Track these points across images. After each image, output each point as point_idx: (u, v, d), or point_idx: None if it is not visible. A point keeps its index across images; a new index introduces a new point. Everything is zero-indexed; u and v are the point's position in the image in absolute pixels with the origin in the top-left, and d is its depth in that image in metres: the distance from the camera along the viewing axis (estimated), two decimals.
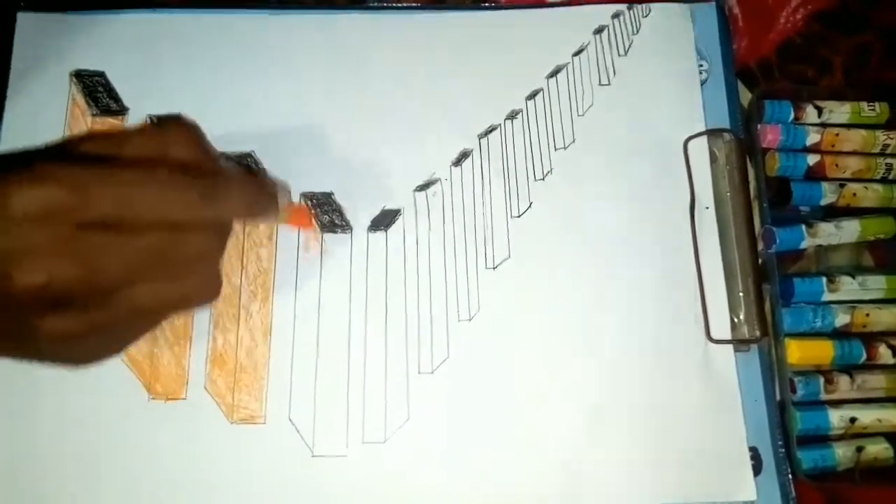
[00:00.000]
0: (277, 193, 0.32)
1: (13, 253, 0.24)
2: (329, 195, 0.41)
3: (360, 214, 0.41)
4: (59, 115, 0.42)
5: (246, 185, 0.30)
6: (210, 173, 0.28)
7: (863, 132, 0.43)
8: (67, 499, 0.36)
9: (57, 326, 0.25)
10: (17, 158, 0.26)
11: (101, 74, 0.43)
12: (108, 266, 0.25)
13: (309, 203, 0.41)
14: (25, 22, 0.44)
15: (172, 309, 0.28)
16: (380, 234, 0.41)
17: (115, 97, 0.43)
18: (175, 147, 0.27)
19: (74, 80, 0.43)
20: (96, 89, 0.43)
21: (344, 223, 0.41)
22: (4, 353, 0.27)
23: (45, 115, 0.42)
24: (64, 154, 0.26)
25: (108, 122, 0.42)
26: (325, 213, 0.41)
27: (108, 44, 0.44)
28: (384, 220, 0.41)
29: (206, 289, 0.29)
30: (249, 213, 0.31)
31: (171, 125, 0.28)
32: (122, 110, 0.42)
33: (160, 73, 0.43)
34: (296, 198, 0.41)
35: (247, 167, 0.40)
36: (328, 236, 0.40)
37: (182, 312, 0.29)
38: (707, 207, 0.41)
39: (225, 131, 0.42)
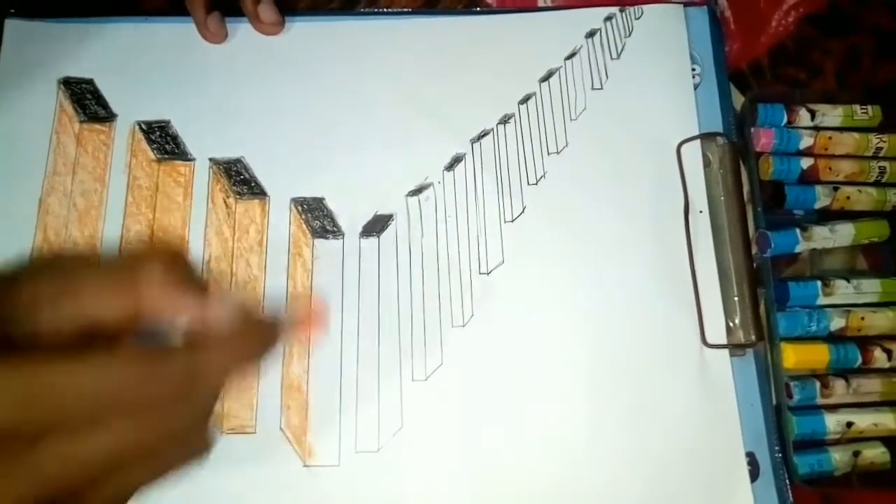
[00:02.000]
0: (277, 333, 0.26)
1: None
2: (320, 200, 0.41)
3: (352, 220, 0.40)
4: (46, 122, 0.42)
5: (234, 347, 0.24)
6: (184, 354, 0.22)
7: (856, 135, 0.43)
8: None
9: None
10: None
11: (90, 82, 0.43)
12: (79, 472, 0.20)
13: (300, 209, 0.40)
14: (13, 29, 0.43)
15: (161, 481, 0.24)
16: (372, 240, 0.40)
17: (103, 104, 0.42)
18: (147, 287, 0.22)
19: (62, 87, 0.42)
20: (84, 96, 0.42)
21: (335, 229, 0.40)
22: None
23: (32, 121, 0.42)
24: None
25: (96, 129, 0.42)
26: (317, 218, 0.40)
27: (96, 51, 0.43)
28: (376, 226, 0.40)
29: (193, 454, 0.24)
30: (240, 370, 0.25)
31: (147, 259, 0.22)
32: (110, 117, 0.42)
33: (149, 80, 0.43)
34: (285, 201, 0.41)
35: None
36: (319, 242, 0.40)
37: (172, 479, 0.24)
38: (701, 211, 0.41)
39: (214, 137, 0.42)
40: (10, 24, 0.43)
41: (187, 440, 0.24)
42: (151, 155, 0.41)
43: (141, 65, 0.43)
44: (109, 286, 0.22)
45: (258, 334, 0.25)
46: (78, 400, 0.20)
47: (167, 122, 0.42)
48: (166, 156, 0.41)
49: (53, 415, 0.20)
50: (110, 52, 0.43)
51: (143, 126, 0.42)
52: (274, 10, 0.43)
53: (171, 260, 0.23)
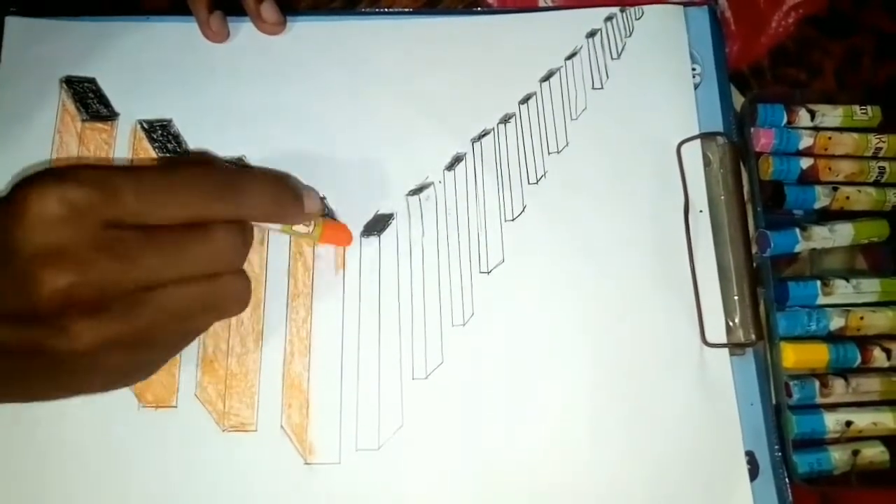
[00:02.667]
0: (304, 195, 0.32)
1: (40, 256, 0.23)
2: (321, 199, 0.41)
3: (352, 219, 0.40)
4: (48, 121, 0.42)
5: (266, 179, 0.30)
6: (229, 170, 0.28)
7: (855, 135, 0.43)
8: None
9: (90, 332, 0.24)
10: (44, 170, 0.25)
11: (92, 80, 0.43)
12: (137, 265, 0.25)
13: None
14: (14, 27, 0.43)
15: (204, 314, 0.28)
16: (373, 239, 0.40)
17: (105, 103, 0.42)
18: (250, 207, 0.29)
19: (64, 85, 0.43)
20: (87, 95, 0.42)
21: None
22: (40, 379, 0.26)
23: (34, 120, 0.42)
24: (88, 165, 0.26)
25: (98, 128, 0.42)
26: None
27: (98, 50, 0.43)
28: (377, 225, 0.41)
29: (235, 291, 0.29)
30: (273, 210, 0.31)
31: (191, 153, 0.29)
32: (112, 116, 0.42)
33: (150, 79, 0.43)
34: None
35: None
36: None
37: (214, 318, 0.29)
38: (701, 211, 0.41)
39: (216, 136, 0.42)
40: (11, 23, 0.43)
41: (229, 274, 0.28)
42: (153, 153, 0.42)
43: (143, 64, 0.43)
44: (214, 193, 0.27)
45: (284, 179, 0.31)
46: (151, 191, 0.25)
47: (169, 121, 0.42)
48: (168, 154, 0.42)
49: (156, 210, 0.25)
50: (112, 51, 0.43)
51: (145, 125, 0.42)
52: (276, 10, 0.43)
53: (275, 185, 0.29)
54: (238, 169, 0.28)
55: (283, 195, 0.30)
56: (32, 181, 0.24)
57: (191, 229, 0.26)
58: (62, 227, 0.23)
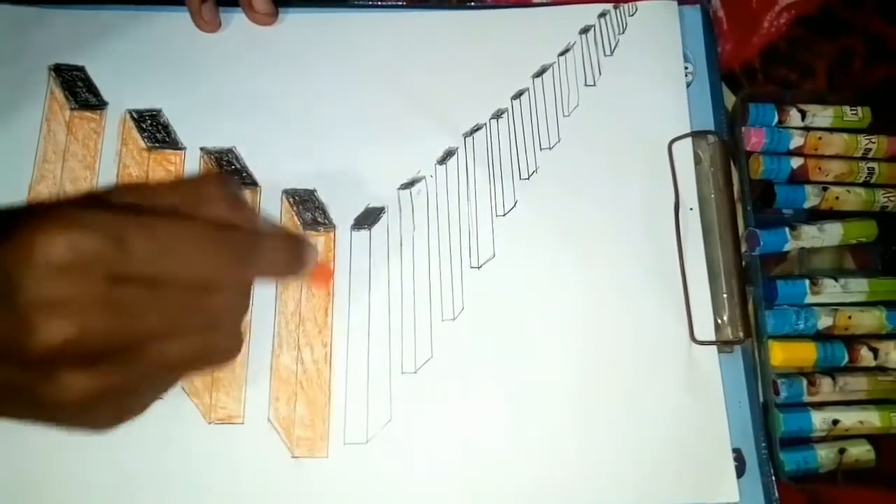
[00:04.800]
0: (309, 254, 0.31)
1: (40, 304, 0.22)
2: (312, 192, 0.41)
3: (343, 212, 0.40)
4: (37, 109, 0.42)
5: (280, 247, 0.28)
6: (246, 233, 0.27)
7: (845, 136, 0.43)
8: (46, 497, 0.36)
9: (80, 385, 0.23)
10: (44, 206, 0.24)
11: (81, 69, 0.42)
12: (139, 321, 0.24)
13: (291, 200, 0.40)
14: (3, 15, 0.43)
15: (195, 366, 0.27)
16: (363, 233, 0.40)
17: (94, 91, 0.42)
18: (211, 203, 0.26)
19: (53, 74, 0.42)
20: (75, 84, 0.42)
21: (327, 221, 0.40)
22: (21, 415, 0.25)
23: (23, 108, 0.41)
24: (95, 202, 0.24)
25: (87, 117, 0.41)
26: (308, 210, 0.40)
27: (87, 39, 0.43)
28: (368, 219, 0.40)
29: (229, 346, 0.28)
30: (282, 275, 0.30)
31: (207, 180, 0.27)
32: (101, 105, 0.42)
33: (140, 68, 0.43)
34: (276, 193, 0.41)
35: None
36: (310, 234, 0.40)
37: (203, 371, 0.28)
38: (691, 209, 0.41)
39: (205, 127, 0.41)
40: (0, 10, 0.43)
41: (225, 330, 0.27)
42: (142, 143, 0.41)
43: (132, 53, 0.43)
44: (179, 206, 0.25)
45: (295, 245, 0.29)
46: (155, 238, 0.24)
47: (158, 111, 0.42)
48: (157, 144, 0.41)
49: (166, 268, 0.24)
50: (102, 40, 0.43)
51: (134, 114, 0.42)
52: (268, 1, 0.42)
53: (223, 180, 0.27)
54: (257, 236, 0.27)
55: (295, 262, 0.30)
56: (42, 219, 0.22)
57: (196, 290, 0.25)
58: (67, 276, 0.22)
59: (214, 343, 0.27)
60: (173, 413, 0.37)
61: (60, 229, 0.22)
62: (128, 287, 0.23)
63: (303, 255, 0.30)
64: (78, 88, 0.42)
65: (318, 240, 0.40)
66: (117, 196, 0.25)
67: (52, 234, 0.22)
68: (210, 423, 0.37)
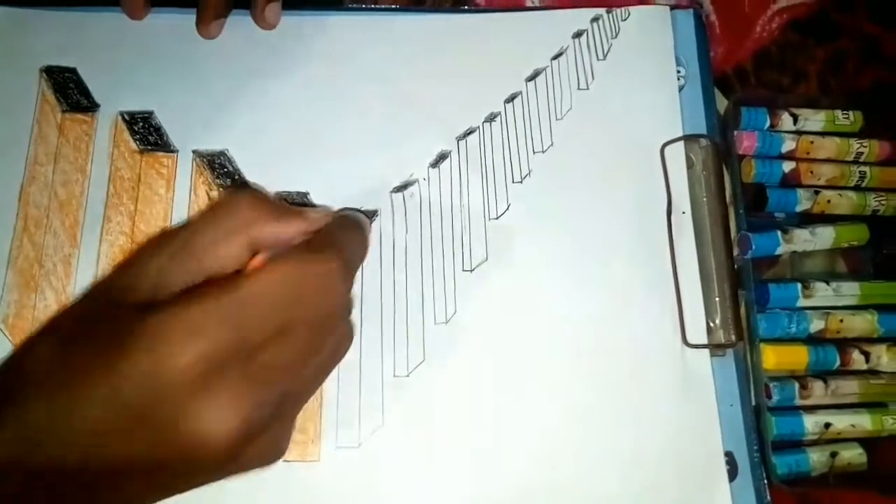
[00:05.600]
0: (367, 226, 0.34)
1: (200, 412, 0.23)
2: (304, 195, 0.40)
3: None
4: (27, 111, 0.41)
5: (362, 241, 0.32)
6: (345, 259, 0.28)
7: (837, 140, 0.43)
8: None
9: (253, 455, 0.25)
10: (156, 313, 0.24)
11: (72, 70, 0.42)
12: (283, 382, 0.25)
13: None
14: None
15: (326, 375, 0.29)
16: None
17: (86, 93, 0.42)
18: (257, 233, 0.28)
19: (44, 75, 0.42)
20: (67, 85, 0.42)
21: None
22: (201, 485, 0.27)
23: (13, 110, 0.41)
24: (198, 298, 0.24)
25: (78, 119, 0.41)
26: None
27: (79, 40, 0.43)
28: None
29: (346, 346, 0.30)
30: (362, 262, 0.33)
31: (236, 206, 0.28)
32: (92, 107, 0.42)
33: (132, 70, 0.42)
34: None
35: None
36: None
37: (330, 371, 0.30)
38: (684, 212, 0.42)
39: (198, 130, 0.41)
40: None
41: (344, 336, 0.29)
42: (134, 146, 0.41)
43: (124, 55, 0.43)
44: (220, 240, 0.26)
45: (360, 227, 0.32)
46: (271, 310, 0.24)
47: (150, 113, 0.42)
48: (149, 147, 0.41)
49: (256, 330, 0.24)
50: (93, 42, 0.43)
51: (126, 116, 0.41)
52: (279, 13, 0.43)
53: (255, 198, 0.28)
54: (342, 251, 0.28)
55: (365, 245, 0.33)
56: (160, 336, 0.23)
57: (322, 325, 0.27)
58: (209, 378, 0.23)
59: (339, 353, 0.30)
60: None
61: (189, 338, 0.23)
62: (262, 356, 0.24)
63: (366, 235, 0.33)
64: (69, 90, 0.42)
65: None
66: (148, 259, 0.26)
67: (184, 345, 0.23)
68: None
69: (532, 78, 0.44)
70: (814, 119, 0.43)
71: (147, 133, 0.41)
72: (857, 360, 0.40)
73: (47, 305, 0.38)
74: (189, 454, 0.23)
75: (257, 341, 0.24)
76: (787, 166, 0.42)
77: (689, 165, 0.42)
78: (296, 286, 0.25)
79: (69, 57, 0.42)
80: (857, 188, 0.43)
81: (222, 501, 0.36)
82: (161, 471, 0.24)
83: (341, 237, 0.30)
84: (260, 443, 0.25)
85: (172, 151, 0.41)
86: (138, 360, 0.22)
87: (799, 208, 0.42)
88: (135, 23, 0.43)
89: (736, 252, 0.41)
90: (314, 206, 0.40)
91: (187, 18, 0.43)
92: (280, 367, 0.25)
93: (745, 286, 0.41)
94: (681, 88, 0.44)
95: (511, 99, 0.43)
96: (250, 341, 0.24)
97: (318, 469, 0.36)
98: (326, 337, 0.27)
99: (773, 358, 0.39)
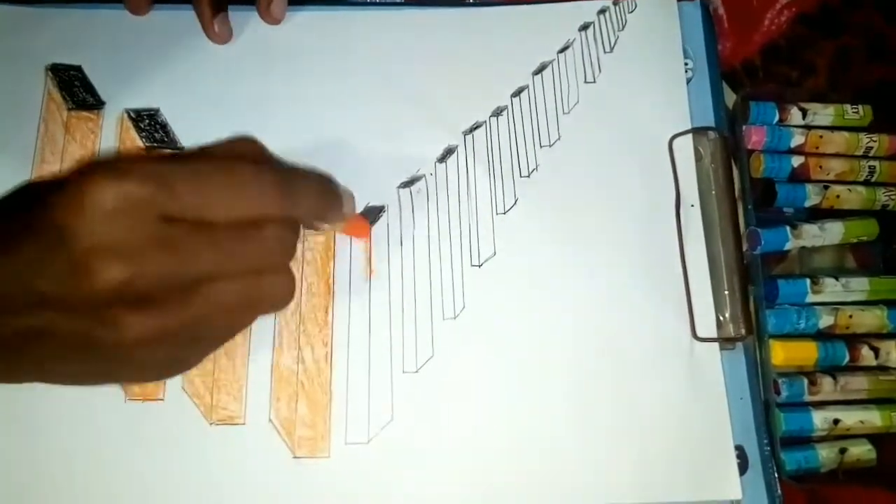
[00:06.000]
0: (343, 195, 0.32)
1: (95, 249, 0.23)
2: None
3: None
4: (34, 110, 0.41)
5: (318, 181, 0.30)
6: (284, 170, 0.29)
7: (846, 134, 0.43)
8: (48, 498, 0.35)
9: (137, 326, 0.24)
10: (92, 161, 0.25)
11: (78, 69, 0.42)
12: (191, 260, 0.25)
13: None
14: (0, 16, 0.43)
15: (250, 310, 0.28)
16: None
17: (91, 91, 0.42)
18: (246, 155, 0.28)
19: (50, 73, 0.42)
20: (72, 83, 0.42)
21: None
22: (78, 367, 0.27)
23: (20, 109, 0.41)
24: (139, 156, 0.27)
25: (84, 117, 0.41)
26: None
27: (84, 39, 0.43)
28: (368, 217, 0.40)
29: (282, 288, 0.29)
30: (321, 212, 0.31)
31: (238, 140, 0.29)
32: (98, 104, 0.42)
33: (138, 68, 0.42)
34: None
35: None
36: (310, 233, 0.40)
37: (258, 314, 0.29)
38: (692, 205, 0.41)
39: (204, 126, 0.41)
40: None
41: (277, 272, 0.28)
42: (140, 143, 0.41)
43: (130, 52, 0.43)
44: (271, 193, 0.27)
45: (331, 181, 0.32)
46: (195, 180, 0.25)
47: (156, 111, 0.41)
48: (155, 144, 0.41)
49: (214, 207, 0.25)
50: (99, 40, 0.43)
51: (132, 114, 0.41)
52: (285, 8, 0.43)
53: (251, 138, 0.29)
54: (292, 168, 0.29)
55: (330, 196, 0.31)
56: (89, 172, 0.24)
57: (245, 227, 0.26)
58: (119, 220, 0.23)
59: (267, 285, 0.28)
60: (174, 414, 0.37)
61: (109, 178, 0.23)
62: (178, 227, 0.24)
63: (338, 194, 0.32)
64: (75, 88, 0.42)
65: (318, 239, 0.40)
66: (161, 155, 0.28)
67: (102, 182, 0.23)
68: (211, 424, 0.37)
69: (539, 71, 0.44)
70: (823, 113, 0.43)
71: (153, 130, 0.41)
72: (866, 355, 0.40)
73: None
74: (68, 291, 0.23)
75: (175, 210, 0.24)
76: (796, 161, 0.42)
77: (698, 158, 0.42)
78: (229, 174, 0.26)
79: (74, 55, 0.42)
80: (866, 183, 0.43)
81: (232, 495, 0.36)
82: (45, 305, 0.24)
83: (298, 175, 0.30)
84: (144, 324, 0.24)
85: (178, 148, 0.41)
86: (55, 203, 0.24)
87: (808, 203, 0.42)
88: (139, 20, 0.43)
89: (745, 247, 0.41)
90: None
91: (191, 14, 0.43)
92: (189, 252, 0.25)
93: (753, 282, 0.40)
94: (688, 81, 0.44)
95: (518, 93, 0.43)
96: (167, 207, 0.24)
97: (327, 465, 0.36)
98: (250, 258, 0.27)
99: (781, 354, 0.39)
